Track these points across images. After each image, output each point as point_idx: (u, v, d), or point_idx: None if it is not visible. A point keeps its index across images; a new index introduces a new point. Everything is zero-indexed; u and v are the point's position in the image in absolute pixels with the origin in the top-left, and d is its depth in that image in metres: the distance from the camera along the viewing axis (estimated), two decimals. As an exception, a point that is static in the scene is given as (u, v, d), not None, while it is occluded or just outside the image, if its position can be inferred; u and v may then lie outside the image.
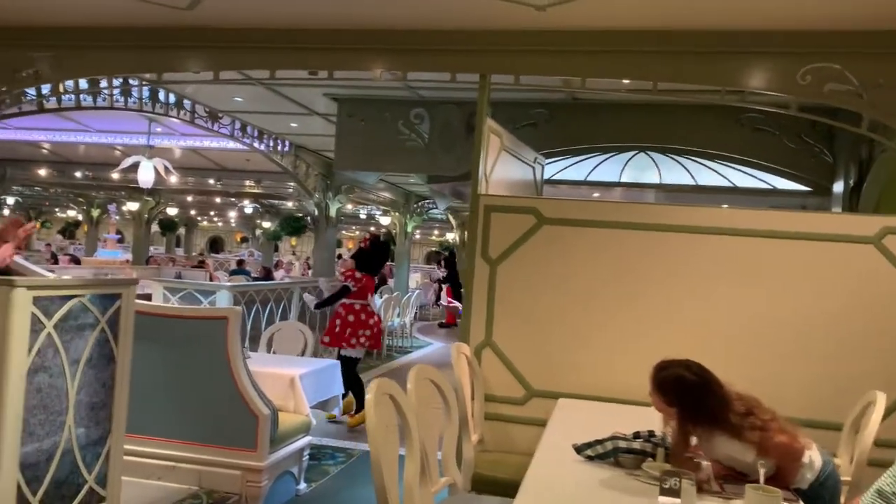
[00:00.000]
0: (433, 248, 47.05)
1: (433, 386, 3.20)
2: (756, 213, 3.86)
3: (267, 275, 13.66)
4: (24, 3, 4.44)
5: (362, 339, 7.14)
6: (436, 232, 41.02)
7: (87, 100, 6.63)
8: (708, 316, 3.86)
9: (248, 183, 17.87)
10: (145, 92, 7.41)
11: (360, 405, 7.18)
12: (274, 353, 6.79)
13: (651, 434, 2.70)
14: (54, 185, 20.87)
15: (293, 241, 42.82)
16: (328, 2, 4.00)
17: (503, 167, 4.64)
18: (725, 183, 7.15)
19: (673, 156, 7.17)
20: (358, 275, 7.19)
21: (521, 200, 4.17)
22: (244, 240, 46.10)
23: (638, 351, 3.89)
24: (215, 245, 48.96)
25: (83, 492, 3.41)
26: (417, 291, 17.03)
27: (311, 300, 8.11)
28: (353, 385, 7.18)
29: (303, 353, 6.81)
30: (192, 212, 35.67)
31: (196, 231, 44.06)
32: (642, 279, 3.94)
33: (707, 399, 2.41)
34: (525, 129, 6.41)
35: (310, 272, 19.69)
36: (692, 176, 7.17)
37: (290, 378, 5.36)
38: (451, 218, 25.62)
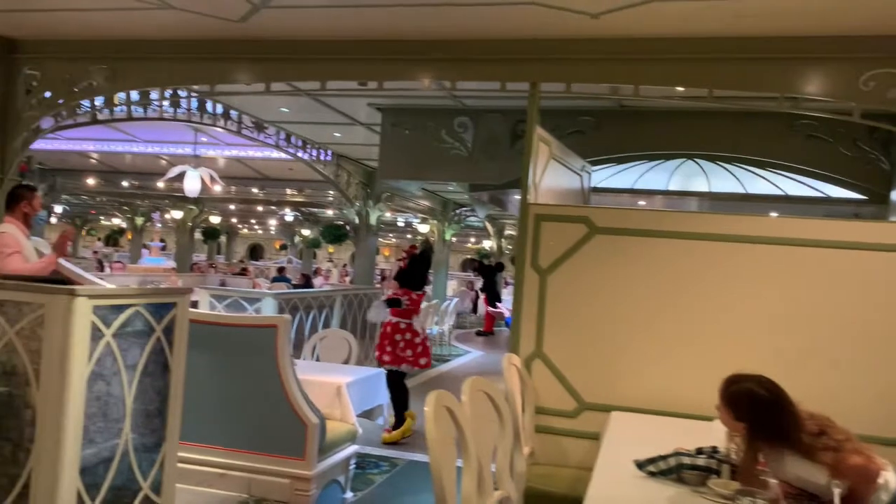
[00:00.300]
0: (468, 256, 47.02)
1: (487, 398, 3.17)
2: (810, 221, 3.77)
3: (306, 282, 13.78)
4: (81, 17, 4.55)
5: (422, 361, 7.11)
6: (472, 239, 40.99)
7: (137, 111, 6.75)
8: (764, 327, 3.77)
9: (289, 191, 18.09)
10: (193, 103, 7.53)
11: (399, 422, 7.07)
12: (318, 360, 6.82)
13: (714, 450, 2.63)
14: (102, 193, 21.34)
15: (330, 248, 43.19)
16: (378, 13, 4.01)
17: (551, 175, 4.60)
18: (776, 191, 6.99)
19: (722, 163, 7.04)
20: (415, 295, 7.09)
21: (573, 209, 4.12)
22: (283, 247, 46.63)
23: (692, 363, 3.82)
24: (255, 252, 49.62)
25: (139, 498, 3.45)
26: (456, 299, 17.00)
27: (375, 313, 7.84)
28: (397, 400, 7.10)
29: (347, 361, 6.84)
30: (234, 220, 36.22)
31: (236, 238, 44.71)
32: (696, 289, 3.86)
33: (779, 417, 2.34)
34: (571, 136, 6.35)
35: (347, 279, 19.81)
36: (741, 184, 7.03)
37: (336, 386, 5.37)
38: (488, 226, 25.61)
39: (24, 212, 4.46)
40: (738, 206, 6.88)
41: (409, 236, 40.12)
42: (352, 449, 5.25)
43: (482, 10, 3.75)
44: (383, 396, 6.21)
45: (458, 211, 20.67)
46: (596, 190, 5.99)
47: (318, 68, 4.41)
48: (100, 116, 6.18)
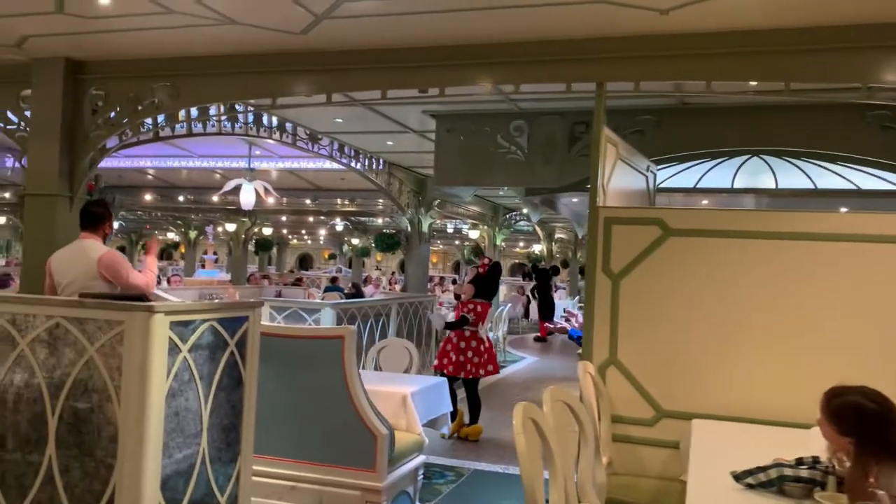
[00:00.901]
0: (516, 261, 46.81)
1: (566, 408, 3.09)
2: (893, 217, 3.58)
3: (357, 290, 13.80)
4: (143, 36, 4.62)
5: (489, 367, 7.37)
6: (521, 244, 40.77)
7: (197, 127, 6.85)
8: (847, 330, 3.59)
9: (339, 201, 18.24)
10: (250, 117, 7.62)
11: (474, 419, 7.47)
12: (378, 369, 6.80)
13: (816, 460, 2.49)
14: (158, 209, 21.84)
15: (379, 256, 43.47)
16: (439, 19, 3.97)
17: (619, 177, 4.49)
18: (848, 186, 6.73)
19: (789, 159, 6.80)
20: (479, 308, 7.27)
21: (645, 211, 4.01)
22: (332, 256, 47.13)
23: (776, 368, 3.67)
24: (304, 262, 50.28)
25: (216, 513, 3.45)
26: (509, 305, 16.88)
27: (437, 319, 8.12)
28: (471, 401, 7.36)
29: (408, 370, 6.81)
30: (284, 231, 36.73)
31: (286, 249, 45.33)
32: (777, 291, 3.70)
33: (889, 430, 2.20)
34: (632, 136, 6.19)
35: (396, 286, 19.82)
36: (811, 179, 6.78)
37: (402, 396, 5.33)
38: (538, 229, 25.44)
39: (105, 232, 4.53)
40: (807, 203, 6.64)
41: (456, 242, 40.19)
42: (419, 459, 5.20)
43: (548, 10, 3.67)
44: (447, 405, 6.15)
45: (507, 216, 20.58)
46: (659, 190, 5.84)
47: (379, 77, 4.38)
48: (161, 133, 6.27)
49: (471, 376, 7.39)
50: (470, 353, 7.34)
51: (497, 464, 6.58)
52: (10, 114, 5.35)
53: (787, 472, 2.39)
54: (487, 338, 7.40)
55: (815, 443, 2.78)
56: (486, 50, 4.24)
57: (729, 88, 4.51)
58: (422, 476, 5.30)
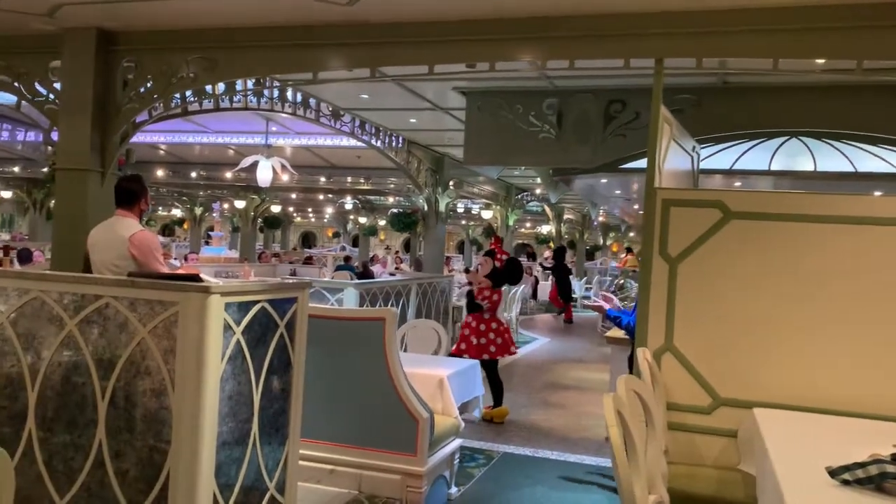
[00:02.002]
0: (520, 241, 46.65)
1: (636, 396, 2.98)
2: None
3: (365, 270, 13.70)
4: (179, 6, 4.46)
5: (512, 349, 7.38)
6: (528, 224, 40.61)
7: (224, 101, 6.70)
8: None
9: (351, 180, 18.08)
10: (275, 92, 7.46)
11: (498, 401, 7.44)
12: (406, 351, 6.71)
13: (914, 456, 2.38)
14: (169, 185, 21.69)
15: (382, 235, 43.31)
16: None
17: (670, 158, 4.35)
18: (890, 169, 6.57)
19: (828, 140, 6.65)
20: (496, 297, 7.25)
21: (705, 193, 3.87)
22: (336, 234, 46.99)
23: (842, 356, 3.55)
24: (307, 240, 50.10)
25: (265, 499, 3.37)
26: (523, 286, 16.78)
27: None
28: (493, 384, 7.35)
29: (436, 352, 6.72)
30: (290, 208, 36.56)
31: (290, 227, 45.14)
32: (843, 277, 3.58)
33: None
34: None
35: (403, 266, 19.68)
36: (851, 162, 6.63)
37: (438, 379, 5.24)
38: (548, 210, 25.29)
39: (142, 209, 4.40)
40: (846, 186, 6.50)
41: (462, 222, 39.99)
42: (456, 443, 5.12)
43: (611, -20, 3.51)
44: (479, 388, 6.06)
45: (519, 196, 20.43)
46: (700, 172, 5.69)
47: (426, 52, 4.22)
48: (189, 108, 6.13)
49: (492, 357, 7.33)
50: (492, 335, 7.31)
51: (525, 446, 6.52)
52: (38, 85, 5.20)
53: (890, 468, 2.28)
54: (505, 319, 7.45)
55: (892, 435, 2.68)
56: (537, 23, 4.08)
57: (795, 67, 4.34)
58: (457, 460, 5.22)
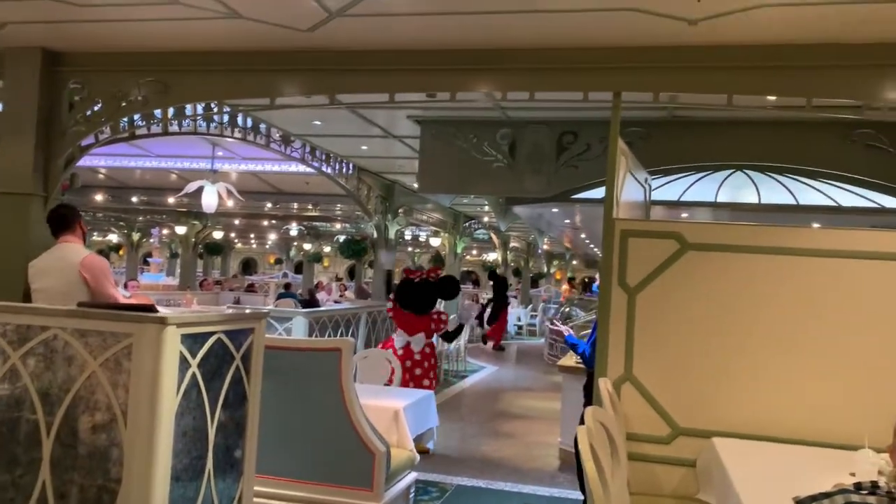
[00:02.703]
0: (465, 269, 46.81)
1: (602, 428, 2.97)
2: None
3: (311, 297, 13.49)
4: (133, 28, 4.35)
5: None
6: (474, 251, 40.80)
7: (173, 126, 6.55)
8: (870, 347, 3.58)
9: (296, 206, 17.85)
10: (224, 117, 7.33)
11: None
12: (359, 382, 6.59)
13: (875, 485, 2.43)
14: (108, 210, 21.05)
15: (326, 262, 42.85)
16: (453, 21, 3.83)
17: (626, 189, 4.42)
18: (828, 202, 6.83)
19: (772, 174, 6.88)
20: (443, 316, 7.29)
21: (662, 224, 3.93)
22: (278, 261, 46.28)
23: (798, 385, 3.63)
24: (248, 267, 49.17)
25: (219, 538, 3.23)
26: (473, 314, 16.79)
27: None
28: None
29: (389, 383, 6.62)
30: (232, 234, 35.90)
31: (231, 253, 44.26)
32: (796, 307, 3.67)
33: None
34: (622, 148, 6.15)
35: (347, 293, 19.43)
36: (792, 195, 6.87)
37: (394, 411, 5.16)
38: (494, 237, 25.47)
39: (83, 231, 4.26)
40: (789, 218, 6.72)
41: (409, 249, 39.96)
42: (412, 477, 5.03)
43: (576, 16, 3.56)
44: (434, 419, 5.99)
45: (467, 223, 20.51)
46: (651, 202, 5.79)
47: (386, 80, 4.20)
48: (137, 132, 5.96)
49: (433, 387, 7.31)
50: (426, 364, 7.31)
51: (479, 478, 6.45)
52: (-23, 106, 4.98)
53: (855, 498, 2.32)
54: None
55: (859, 465, 2.73)
56: (497, 55, 4.11)
57: (748, 102, 4.48)
58: (413, 493, 5.13)
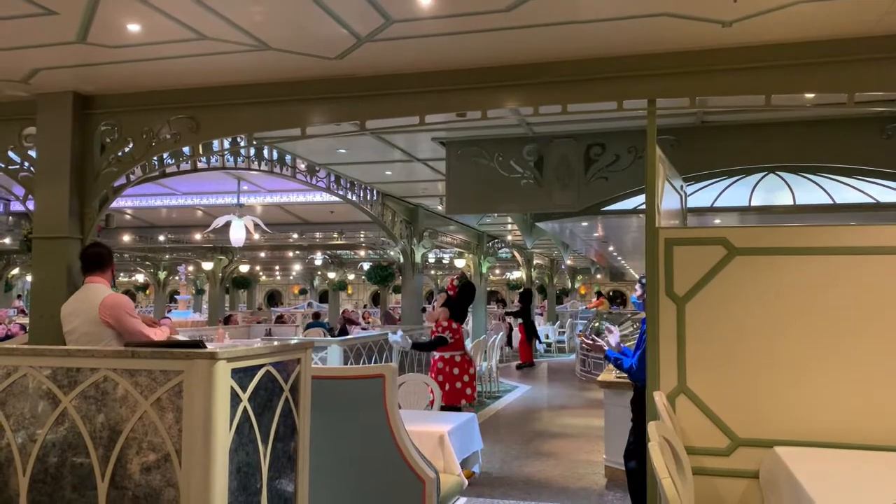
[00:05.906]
0: (490, 288, 46.59)
1: (667, 444, 2.88)
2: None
3: (346, 324, 13.47)
4: (160, 66, 4.37)
5: (468, 391, 7.28)
6: (497, 271, 40.65)
7: (202, 161, 6.59)
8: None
9: (322, 235, 17.91)
10: (251, 150, 7.37)
11: None
12: (399, 408, 6.51)
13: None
14: (135, 250, 21.26)
15: (350, 289, 42.87)
16: (483, 39, 3.81)
17: (664, 197, 4.35)
18: (866, 199, 6.69)
19: (805, 174, 6.76)
20: (455, 325, 7.21)
21: (707, 231, 3.85)
22: (302, 291, 46.42)
23: (862, 388, 3.51)
24: (273, 299, 49.39)
25: (276, 577, 3.16)
26: (501, 333, 16.66)
27: (399, 340, 7.81)
28: None
29: (430, 407, 6.55)
30: (258, 267, 36.11)
31: (256, 286, 44.51)
32: (854, 307, 3.56)
33: None
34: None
35: (372, 319, 19.44)
36: (828, 194, 6.74)
37: (439, 435, 5.08)
38: (517, 256, 25.35)
39: (113, 274, 4.27)
40: (826, 218, 6.58)
41: (432, 272, 39.91)
42: (461, 502, 4.94)
43: (605, 25, 3.52)
44: (478, 442, 5.90)
45: (490, 243, 20.44)
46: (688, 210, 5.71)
47: (416, 103, 4.18)
48: (167, 171, 6.00)
49: (472, 401, 7.30)
50: (468, 379, 7.27)
51: (527, 500, 6.33)
52: (11, 153, 5.03)
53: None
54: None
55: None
56: (527, 70, 4.08)
57: (786, 102, 4.40)
58: (462, 519, 5.04)
